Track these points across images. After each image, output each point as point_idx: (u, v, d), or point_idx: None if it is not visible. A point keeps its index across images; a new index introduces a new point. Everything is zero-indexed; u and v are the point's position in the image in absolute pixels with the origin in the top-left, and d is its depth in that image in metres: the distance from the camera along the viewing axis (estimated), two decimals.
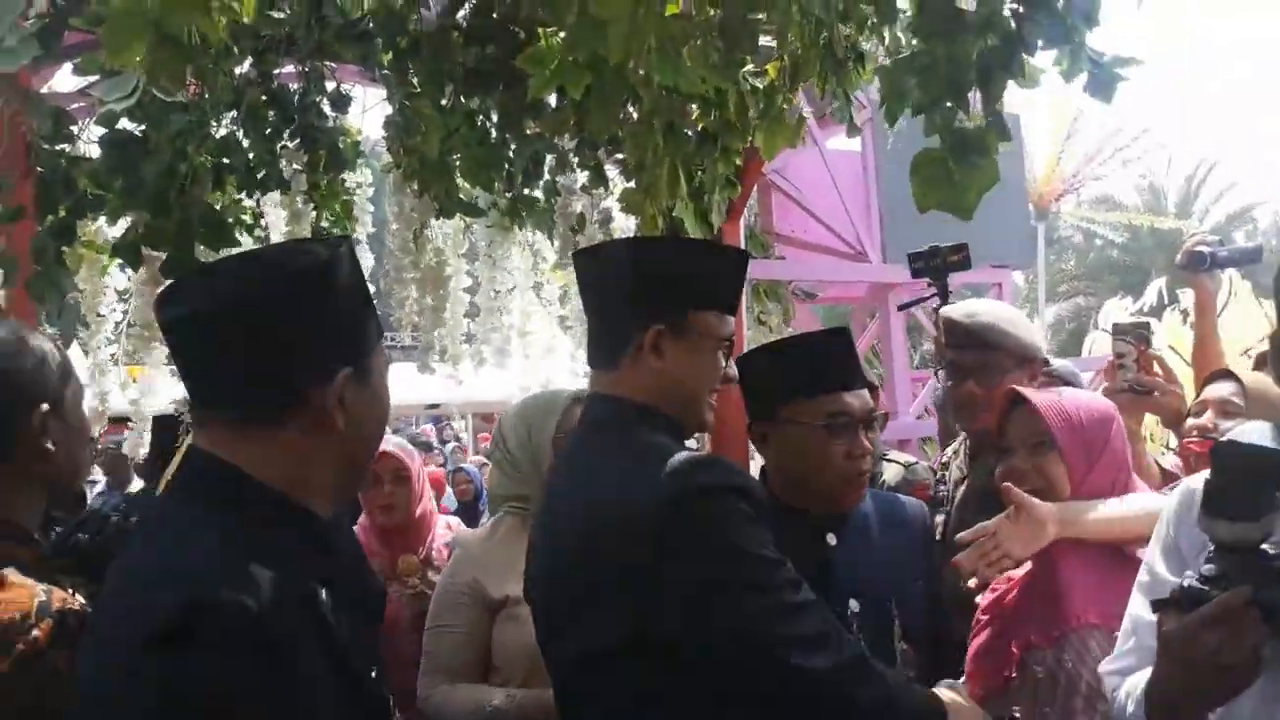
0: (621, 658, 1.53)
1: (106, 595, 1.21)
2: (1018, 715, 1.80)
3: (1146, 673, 1.45)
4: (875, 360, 6.88)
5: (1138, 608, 1.56)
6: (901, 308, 5.71)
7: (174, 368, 2.56)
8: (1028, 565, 1.92)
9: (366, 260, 3.68)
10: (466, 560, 2.40)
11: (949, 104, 1.91)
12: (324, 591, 1.21)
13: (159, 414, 3.59)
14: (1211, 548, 1.35)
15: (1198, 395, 3.03)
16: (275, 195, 3.60)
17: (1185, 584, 1.34)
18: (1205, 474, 1.41)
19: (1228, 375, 3.00)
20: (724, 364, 1.73)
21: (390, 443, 2.77)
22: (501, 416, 2.69)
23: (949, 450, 2.91)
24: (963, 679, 1.91)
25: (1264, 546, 1.31)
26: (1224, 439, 1.39)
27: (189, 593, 1.07)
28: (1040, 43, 1.92)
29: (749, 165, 3.39)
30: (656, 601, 1.49)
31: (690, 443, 1.80)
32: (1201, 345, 3.31)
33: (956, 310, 2.59)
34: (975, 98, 1.97)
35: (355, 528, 3.08)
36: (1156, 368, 2.71)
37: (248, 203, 3.71)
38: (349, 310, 1.29)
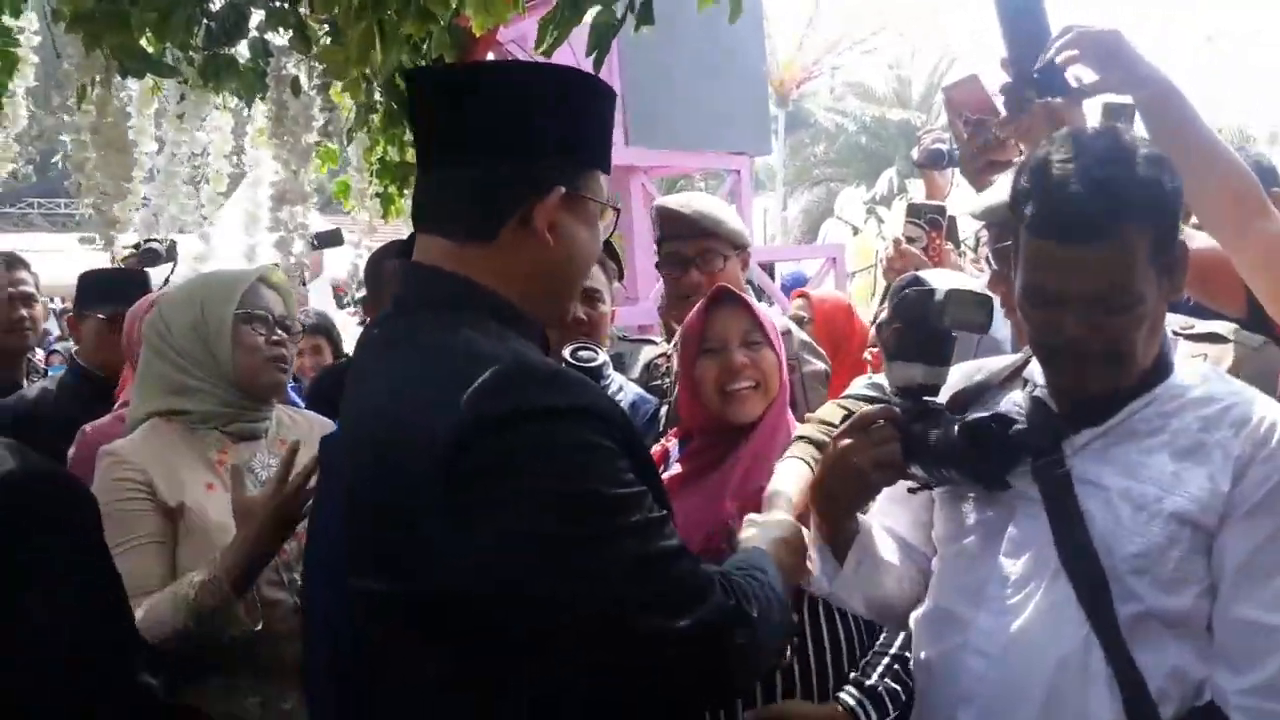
0: (416, 611, 1.20)
1: None
2: None
3: None
4: (619, 246, 6.82)
5: None
6: None
7: None
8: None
9: (21, 118, 3.17)
10: (125, 465, 1.99)
11: None
12: None
13: None
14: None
15: None
16: None
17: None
18: None
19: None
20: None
21: None
22: (160, 303, 2.26)
23: (673, 344, 2.88)
24: None
25: (929, 397, 1.49)
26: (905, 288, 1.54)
27: None
28: None
29: (484, 37, 3.14)
30: (456, 554, 1.15)
31: None
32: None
33: (671, 201, 2.63)
34: None
35: None
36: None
37: None
38: None
